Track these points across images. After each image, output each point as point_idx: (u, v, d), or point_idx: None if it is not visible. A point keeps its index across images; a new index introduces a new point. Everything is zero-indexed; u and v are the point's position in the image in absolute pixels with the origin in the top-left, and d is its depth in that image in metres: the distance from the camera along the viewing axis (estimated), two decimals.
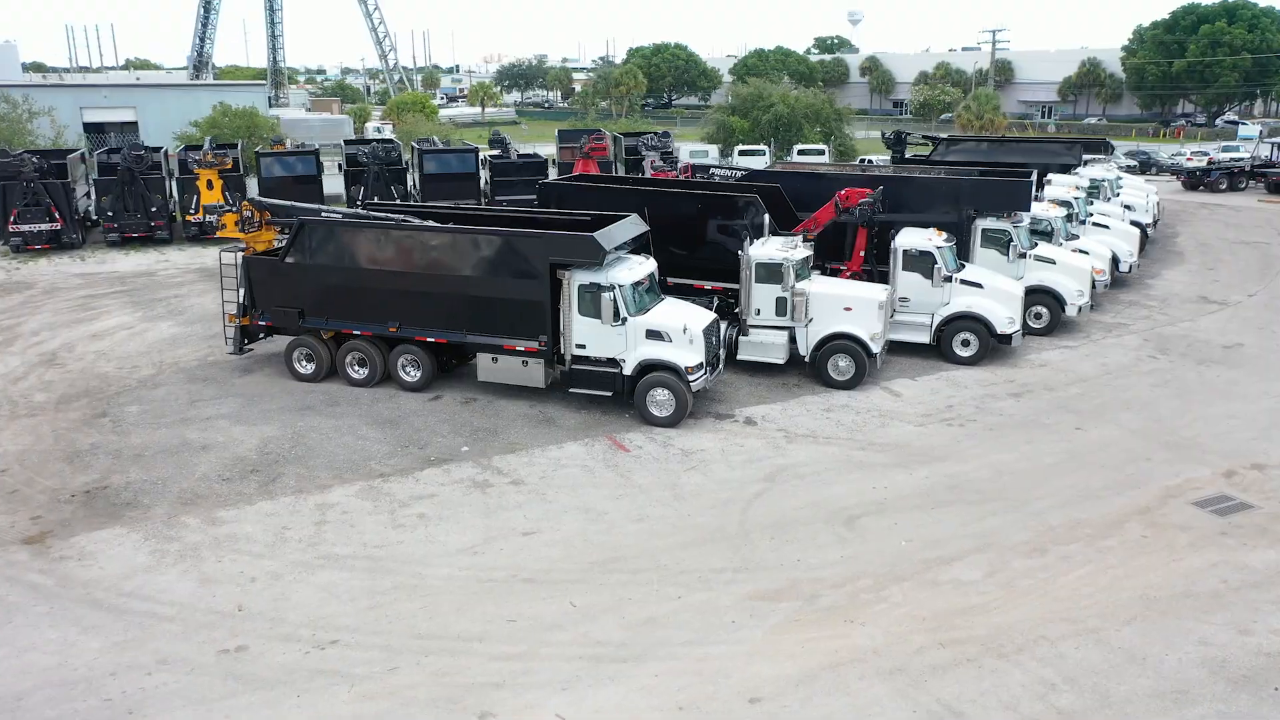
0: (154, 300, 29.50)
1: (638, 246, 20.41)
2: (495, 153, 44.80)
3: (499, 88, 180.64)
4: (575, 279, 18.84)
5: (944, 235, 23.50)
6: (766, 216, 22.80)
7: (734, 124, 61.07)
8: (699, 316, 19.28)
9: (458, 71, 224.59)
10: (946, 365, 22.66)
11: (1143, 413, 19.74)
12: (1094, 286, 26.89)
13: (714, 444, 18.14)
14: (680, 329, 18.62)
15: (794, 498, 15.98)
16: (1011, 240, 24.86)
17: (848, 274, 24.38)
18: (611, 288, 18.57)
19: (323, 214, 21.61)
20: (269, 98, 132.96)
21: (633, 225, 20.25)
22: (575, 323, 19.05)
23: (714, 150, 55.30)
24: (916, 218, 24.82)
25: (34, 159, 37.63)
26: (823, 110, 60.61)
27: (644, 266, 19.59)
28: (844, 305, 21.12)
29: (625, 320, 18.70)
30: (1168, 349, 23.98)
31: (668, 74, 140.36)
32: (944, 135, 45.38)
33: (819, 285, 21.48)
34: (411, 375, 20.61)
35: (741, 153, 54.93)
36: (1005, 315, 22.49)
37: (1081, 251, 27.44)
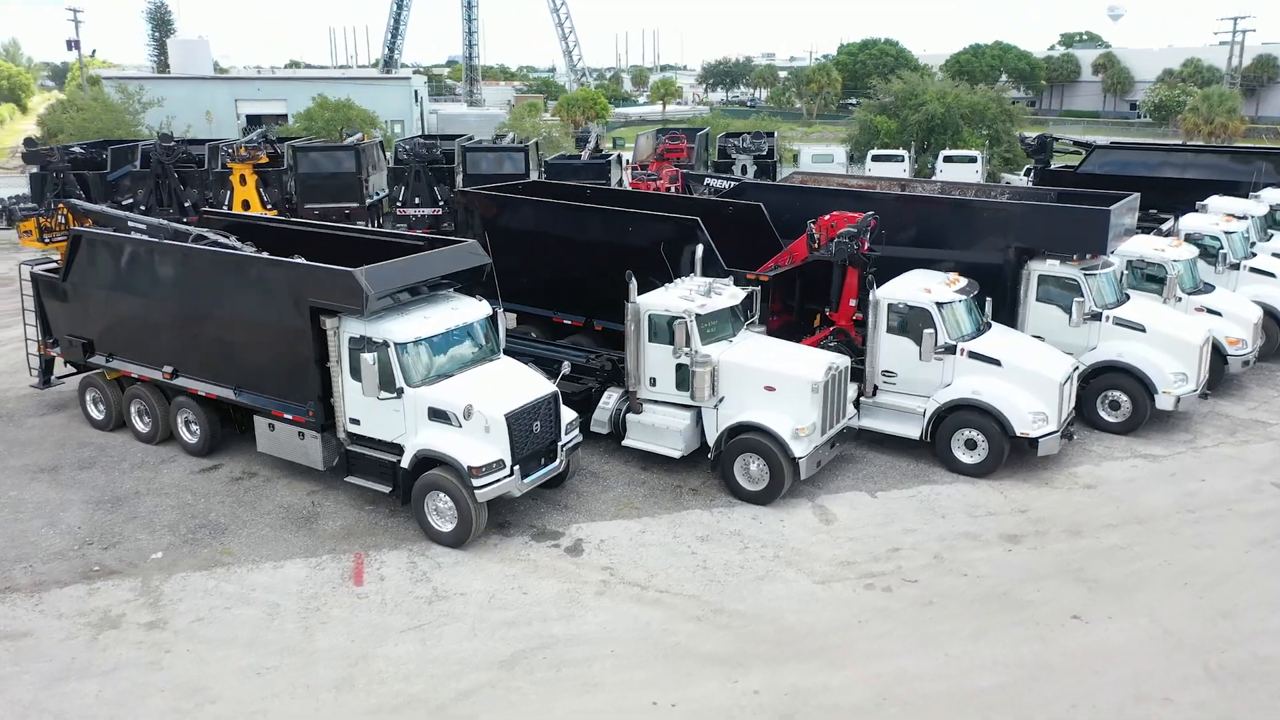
0: None
1: (475, 284, 14.87)
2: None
3: (704, 86, 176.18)
4: (345, 330, 13.59)
5: (959, 283, 16.34)
6: (700, 248, 16.57)
7: (879, 124, 53.17)
8: (510, 391, 13.49)
9: (675, 70, 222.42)
10: (942, 474, 15.62)
11: (1205, 598, 12.14)
12: (1224, 362, 18.67)
13: (488, 584, 12.39)
14: (462, 410, 12.96)
15: (511, 710, 10.04)
16: (1082, 293, 17.23)
17: (826, 331, 17.72)
18: (381, 345, 13.18)
19: (129, 224, 17.44)
20: (467, 93, 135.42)
21: (461, 255, 14.72)
22: (348, 389, 13.79)
23: (840, 153, 47.91)
24: (942, 255, 17.74)
25: (73, 150, 36.48)
26: (988, 110, 51.55)
27: (451, 315, 14.00)
28: (764, 383, 14.65)
29: (401, 392, 13.25)
30: None
31: (872, 71, 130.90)
32: (1104, 141, 36.27)
33: (737, 351, 15.05)
34: (191, 435, 16.07)
35: (875, 158, 47.27)
36: (1029, 408, 15.14)
37: (1211, 312, 19.16)
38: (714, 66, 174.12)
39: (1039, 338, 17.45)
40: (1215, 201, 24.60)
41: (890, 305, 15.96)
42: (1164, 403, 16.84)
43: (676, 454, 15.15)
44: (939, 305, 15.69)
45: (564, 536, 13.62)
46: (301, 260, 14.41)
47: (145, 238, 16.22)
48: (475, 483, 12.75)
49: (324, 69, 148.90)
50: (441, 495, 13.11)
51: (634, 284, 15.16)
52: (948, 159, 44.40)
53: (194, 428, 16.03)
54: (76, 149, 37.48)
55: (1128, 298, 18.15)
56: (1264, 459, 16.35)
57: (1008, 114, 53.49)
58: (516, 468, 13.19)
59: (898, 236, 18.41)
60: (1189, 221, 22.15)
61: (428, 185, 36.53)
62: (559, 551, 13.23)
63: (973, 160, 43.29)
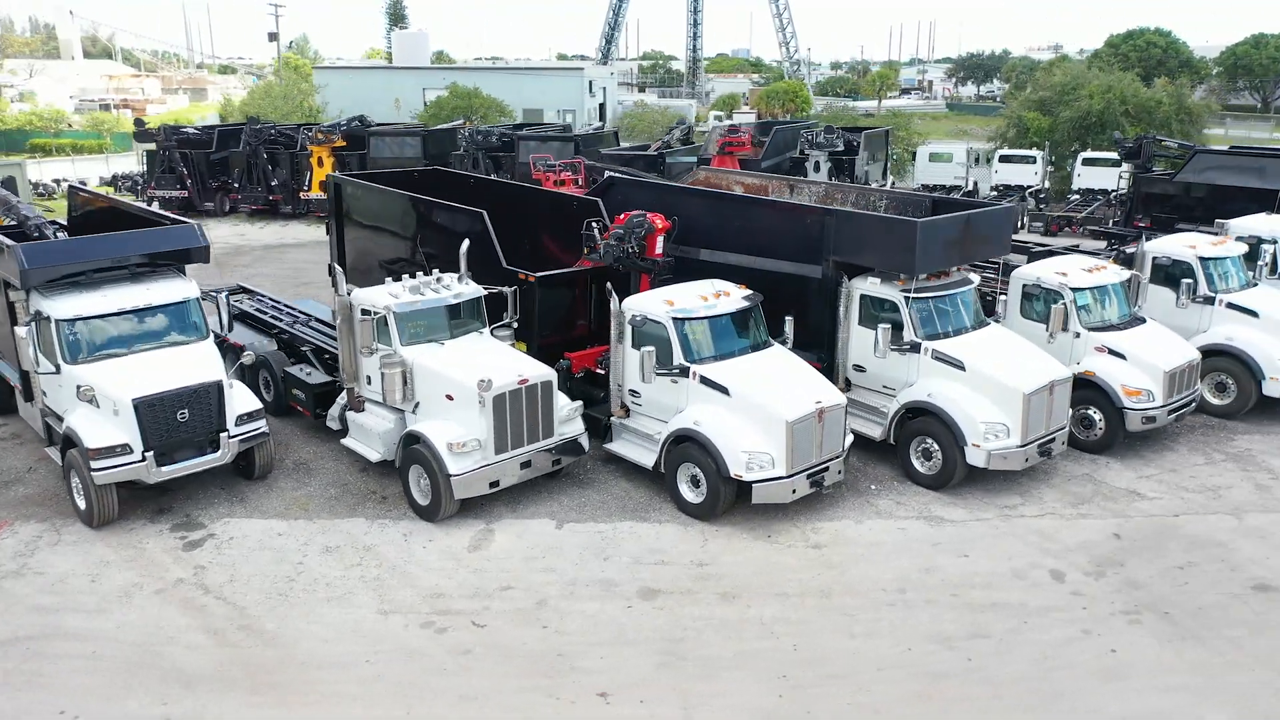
0: None
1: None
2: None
3: (954, 81, 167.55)
4: (33, 303, 13.92)
5: (720, 294, 14.34)
6: (465, 242, 15.57)
7: (1029, 121, 47.80)
8: (163, 376, 13.24)
9: (924, 64, 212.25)
10: (664, 510, 13.82)
11: (789, 696, 9.93)
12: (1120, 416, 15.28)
13: (74, 566, 12.33)
14: (95, 391, 12.92)
15: None
16: (904, 319, 14.62)
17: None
18: (44, 320, 13.41)
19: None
20: (690, 85, 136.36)
21: (167, 237, 14.69)
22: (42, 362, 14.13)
23: (960, 152, 43.54)
24: (761, 264, 15.72)
25: (182, 130, 40.11)
26: (1160, 106, 44.84)
27: (139, 295, 13.93)
28: (446, 390, 13.56)
29: (59, 368, 13.42)
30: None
31: (1136, 63, 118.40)
32: (1223, 146, 30.50)
33: (442, 354, 13.98)
34: None
35: (1002, 159, 42.70)
36: (742, 447, 13.01)
37: (1114, 353, 15.67)
38: (966, 60, 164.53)
39: (860, 368, 15.11)
40: (1242, 221, 20.21)
41: (632, 319, 14.27)
42: (974, 457, 13.95)
43: (374, 457, 14.33)
44: (676, 321, 13.83)
45: (203, 529, 13.27)
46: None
47: None
48: (93, 465, 12.68)
49: (501, 60, 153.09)
50: (75, 475, 13.17)
51: (341, 275, 14.49)
52: (1004, 158, 39.40)
53: None
54: (189, 130, 41.14)
55: (986, 324, 15.25)
56: (1077, 539, 13.16)
57: (1187, 112, 46.50)
58: (150, 454, 12.98)
59: (724, 241, 16.56)
60: (1155, 245, 18.25)
61: (484, 170, 37.04)
62: (179, 544, 12.91)
63: (1031, 161, 38.18)
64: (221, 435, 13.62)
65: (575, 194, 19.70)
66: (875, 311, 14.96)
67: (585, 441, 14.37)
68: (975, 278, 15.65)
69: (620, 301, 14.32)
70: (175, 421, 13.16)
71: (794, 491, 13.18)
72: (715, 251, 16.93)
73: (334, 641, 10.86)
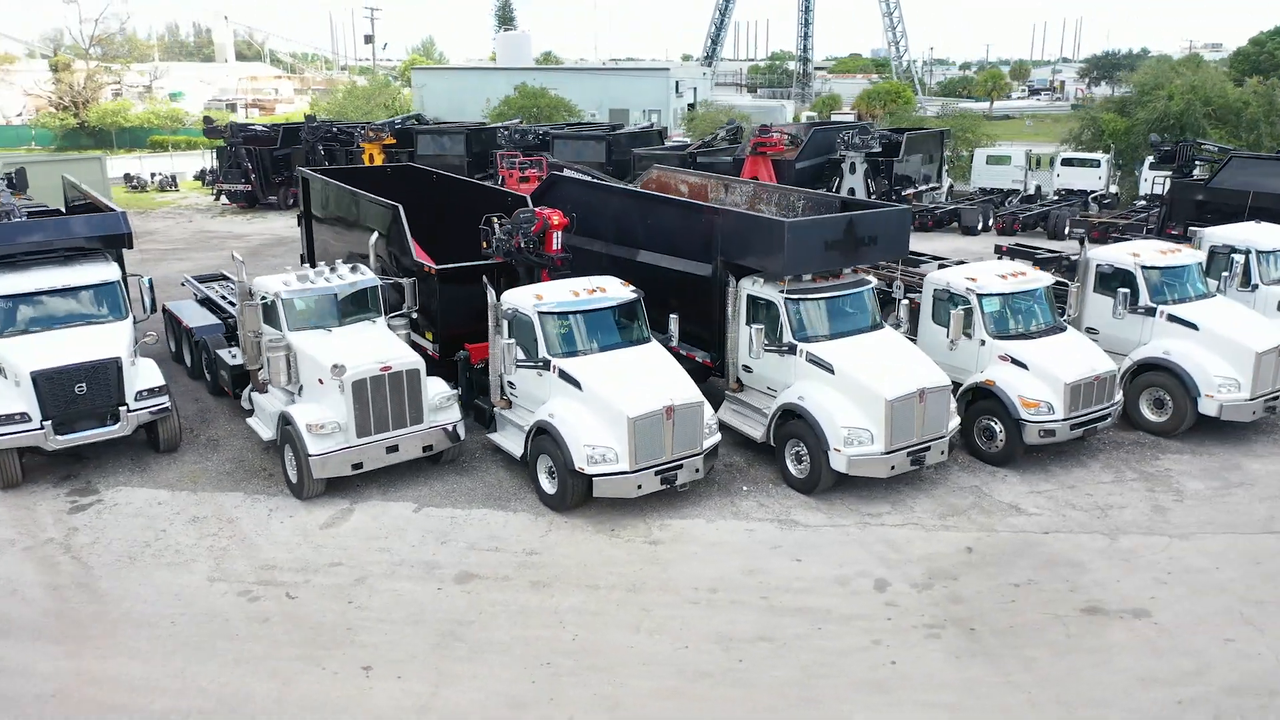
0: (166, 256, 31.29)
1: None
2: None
3: (1087, 81, 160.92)
4: None
5: (595, 290, 14.53)
6: (374, 235, 16.25)
7: (1105, 122, 45.52)
8: (67, 351, 14.33)
9: (1055, 64, 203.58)
10: (524, 499, 14.13)
11: (472, 665, 10.13)
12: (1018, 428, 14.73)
13: None
14: None
15: None
16: (781, 320, 14.49)
17: None
18: None
19: None
20: (797, 85, 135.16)
21: (90, 224, 15.93)
22: None
23: (1019, 155, 41.90)
24: (662, 260, 15.85)
25: (250, 128, 42.42)
26: (1246, 108, 41.95)
27: (58, 277, 15.10)
28: (319, 375, 14.20)
29: None
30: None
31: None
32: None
33: (328, 340, 14.62)
34: None
35: (1065, 162, 40.95)
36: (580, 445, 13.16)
37: (1016, 363, 15.08)
38: (1099, 59, 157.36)
39: (747, 369, 15.07)
40: (1219, 230, 19.09)
41: (505, 311, 14.58)
42: (836, 462, 13.71)
43: (266, 437, 15.12)
44: (541, 315, 14.10)
45: (95, 496, 14.28)
46: None
47: None
48: None
49: (613, 61, 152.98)
50: None
51: (243, 265, 15.33)
52: (1066, 161, 37.52)
53: None
54: (256, 128, 43.47)
55: (881, 327, 14.92)
56: (926, 550, 12.80)
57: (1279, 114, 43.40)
58: (48, 424, 14.09)
59: (639, 239, 16.77)
60: (1098, 252, 17.41)
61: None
62: (67, 507, 13.95)
63: (1095, 164, 36.24)
64: (121, 409, 14.64)
65: (517, 191, 20.12)
66: (758, 312, 14.87)
67: (461, 430, 14.79)
68: (872, 280, 15.32)
69: (499, 295, 14.67)
70: (73, 394, 14.23)
71: (639, 487, 13.26)
72: (626, 248, 17.15)
73: (152, 602, 11.61)
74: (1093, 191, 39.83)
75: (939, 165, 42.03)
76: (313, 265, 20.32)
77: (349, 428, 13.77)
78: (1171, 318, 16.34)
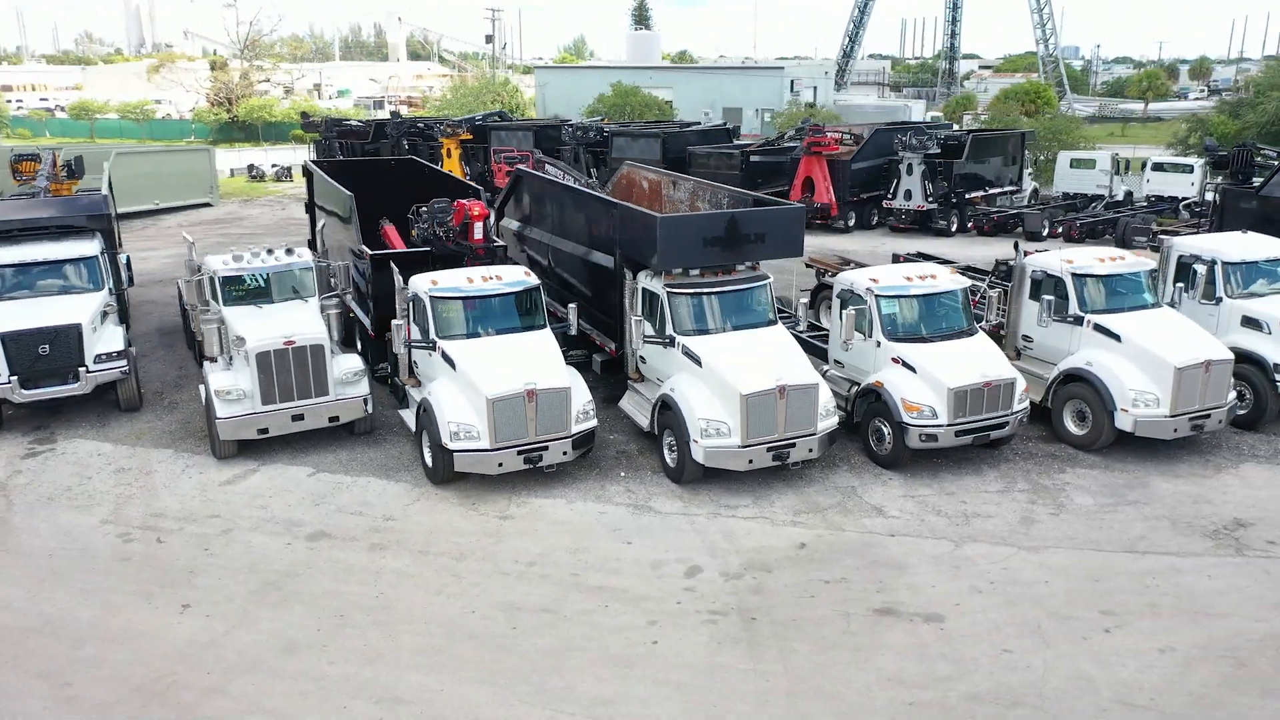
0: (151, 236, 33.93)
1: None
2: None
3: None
4: None
5: (491, 278, 15.31)
6: (322, 220, 17.56)
7: (1214, 124, 42.66)
8: (38, 316, 16.26)
9: (1243, 62, 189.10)
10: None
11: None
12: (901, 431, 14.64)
13: None
14: None
15: None
16: (664, 314, 14.88)
17: None
18: None
19: None
20: (943, 84, 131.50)
21: (72, 204, 17.87)
22: None
23: (1104, 159, 39.77)
24: (578, 250, 16.50)
25: (344, 123, 45.19)
26: None
27: (37, 251, 17.15)
28: (235, 348, 15.59)
29: None
30: None
31: None
32: None
33: (256, 316, 15.97)
34: None
35: (1156, 167, 38.73)
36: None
37: (906, 366, 14.93)
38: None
39: (643, 359, 15.55)
40: (1190, 239, 18.13)
41: (405, 294, 15.55)
42: (695, 453, 14.02)
43: (203, 400, 16.64)
44: (433, 299, 15.00)
45: (51, 445, 16.14)
46: None
47: None
48: None
49: (750, 60, 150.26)
50: None
51: (193, 245, 16.91)
52: (1156, 166, 35.18)
53: None
54: (351, 123, 46.26)
55: (774, 323, 15.08)
56: (760, 544, 12.98)
57: None
58: (14, 379, 16.04)
59: (569, 230, 17.54)
60: (1033, 258, 16.86)
61: (585, 165, 39.00)
62: (22, 453, 15.82)
63: (1188, 170, 33.85)
64: (81, 370, 16.47)
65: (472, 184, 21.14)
66: (648, 304, 15.30)
67: (369, 404, 15.88)
68: (769, 277, 15.45)
69: (405, 280, 15.65)
70: (37, 354, 16.13)
71: (500, 465, 13.97)
72: (560, 239, 17.86)
73: (45, 537, 13.20)
74: (1185, 198, 37.51)
75: (1019, 168, 40.48)
76: (313, 250, 21.93)
77: (255, 395, 15.06)
78: (1098, 327, 15.71)
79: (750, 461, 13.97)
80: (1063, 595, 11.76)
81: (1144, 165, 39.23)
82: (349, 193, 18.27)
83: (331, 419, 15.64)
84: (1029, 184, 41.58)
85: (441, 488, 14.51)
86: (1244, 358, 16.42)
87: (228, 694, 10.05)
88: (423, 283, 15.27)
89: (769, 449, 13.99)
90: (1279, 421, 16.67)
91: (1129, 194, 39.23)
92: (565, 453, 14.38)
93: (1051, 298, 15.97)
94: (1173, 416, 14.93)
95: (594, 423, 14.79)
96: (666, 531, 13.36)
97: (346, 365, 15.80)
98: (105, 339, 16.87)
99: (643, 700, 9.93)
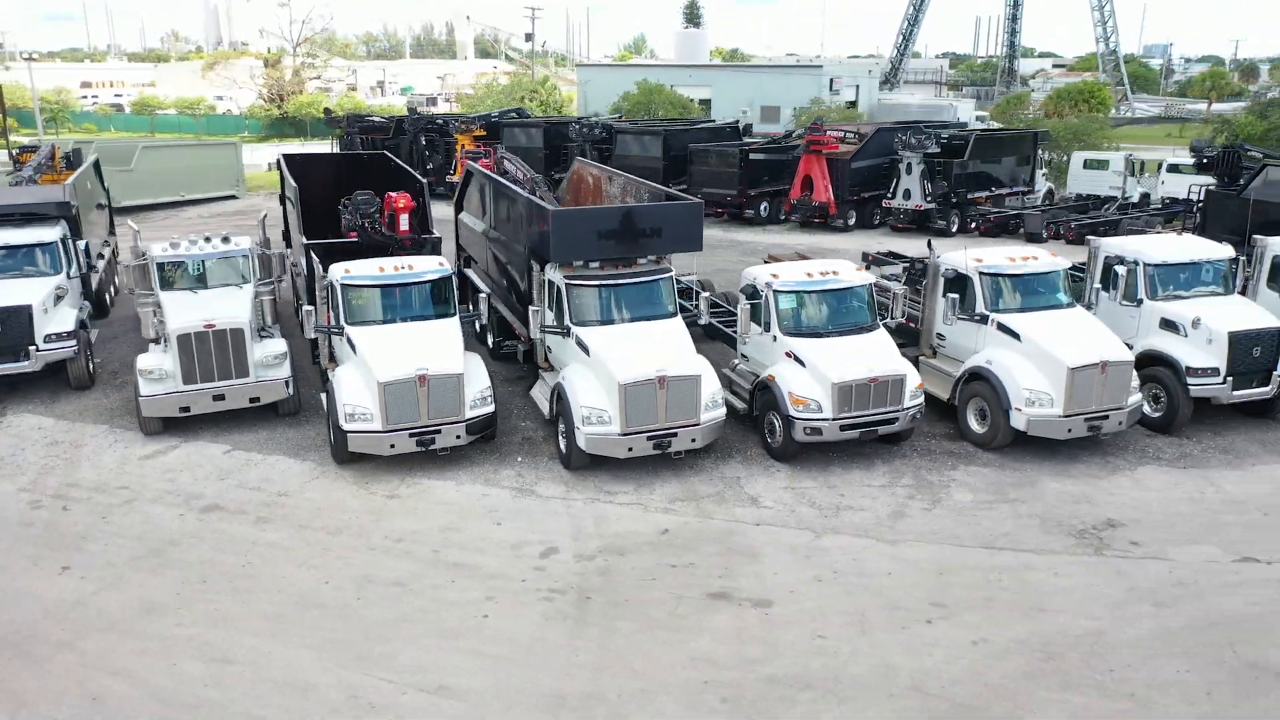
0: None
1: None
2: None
3: None
4: None
5: (402, 268, 15.90)
6: (263, 213, 18.37)
7: (1241, 126, 41.44)
8: None
9: None
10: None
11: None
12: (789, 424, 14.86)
13: None
14: None
15: None
16: (562, 304, 15.32)
17: None
18: None
19: None
20: (1001, 83, 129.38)
21: (32, 194, 18.87)
22: None
23: (1118, 161, 38.93)
24: (503, 250, 17.04)
25: (367, 119, 46.39)
26: None
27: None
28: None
29: None
30: None
31: None
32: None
33: (189, 300, 16.85)
34: None
35: (1171, 169, 37.85)
36: None
37: (798, 361, 15.12)
38: None
39: (549, 348, 16.00)
40: (1117, 240, 18.00)
41: (325, 282, 16.23)
42: (579, 440, 14.43)
43: None
44: (343, 287, 15.65)
45: (2, 417, 17.21)
46: None
47: None
48: None
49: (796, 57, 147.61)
50: None
51: (138, 233, 17.83)
52: (1172, 168, 34.42)
53: None
54: (374, 119, 47.44)
55: (673, 315, 15.41)
56: (624, 529, 13.35)
57: None
58: None
59: (501, 223, 18.11)
60: (946, 256, 16.88)
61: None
62: None
63: None
64: (31, 348, 17.49)
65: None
66: (552, 295, 15.75)
67: (291, 385, 16.61)
68: (669, 270, 15.76)
69: (326, 268, 16.32)
70: None
71: (392, 446, 14.55)
72: (493, 229, 18.39)
73: None
74: (1199, 201, 36.58)
75: (1032, 169, 39.90)
76: (288, 243, 22.86)
77: (176, 375, 15.88)
78: (1000, 326, 15.71)
79: (630, 449, 14.32)
80: (901, 587, 11.92)
81: (1159, 167, 38.39)
82: (294, 184, 19.05)
83: (252, 400, 16.40)
84: (1043, 185, 40.96)
85: (342, 467, 15.14)
86: (1159, 360, 16.28)
87: (77, 649, 10.77)
88: (337, 270, 15.93)
89: (649, 438, 14.32)
90: (1197, 424, 16.46)
91: (1145, 196, 38.43)
92: (459, 436, 14.89)
93: (957, 296, 16.01)
94: (1067, 416, 14.88)
95: (491, 408, 15.27)
96: (542, 515, 13.80)
97: (270, 349, 16.54)
98: (57, 320, 17.87)
99: (455, 669, 10.40)
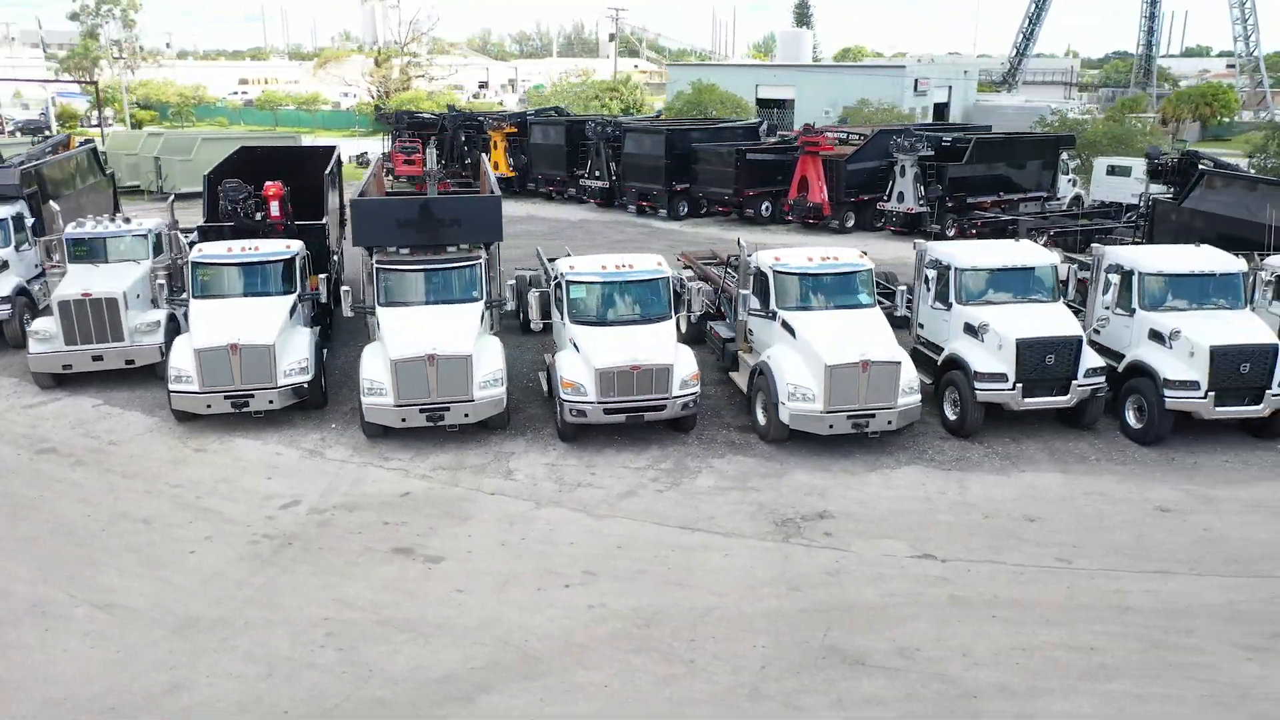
0: None
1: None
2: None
3: None
4: None
5: (249, 249, 17.68)
6: (171, 197, 20.55)
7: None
8: None
9: None
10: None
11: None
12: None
13: None
14: None
15: None
16: (373, 287, 16.79)
17: None
18: None
19: None
20: (1136, 84, 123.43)
21: None
22: None
23: (1138, 167, 37.17)
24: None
25: (416, 115, 49.00)
26: None
27: None
28: None
29: None
30: None
31: None
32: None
33: (85, 271, 19.20)
34: None
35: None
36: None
37: None
38: None
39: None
40: (935, 245, 18.01)
41: (186, 260, 18.19)
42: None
43: None
44: (193, 265, 17.55)
45: None
46: None
47: None
48: None
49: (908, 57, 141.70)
50: None
51: (58, 214, 20.29)
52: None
53: None
54: (423, 115, 50.03)
55: (475, 301, 16.65)
56: (393, 490, 14.66)
57: None
58: None
59: None
60: (758, 255, 17.38)
61: (605, 160, 40.92)
62: None
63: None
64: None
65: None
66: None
67: (162, 350, 18.66)
68: (478, 260, 16.93)
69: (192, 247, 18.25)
70: None
71: (209, 406, 16.34)
72: None
73: None
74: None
75: (1054, 174, 38.80)
76: None
77: (58, 337, 18.15)
78: (784, 324, 16.20)
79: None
80: (570, 556, 12.77)
81: None
82: (208, 174, 21.18)
83: (128, 361, 18.51)
84: (1068, 190, 39.70)
85: (182, 424, 16.98)
86: (1142, 371, 16.14)
87: None
88: (193, 253, 17.86)
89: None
90: (993, 429, 16.48)
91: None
92: (271, 401, 16.52)
93: (748, 292, 16.57)
94: (827, 413, 15.26)
95: (309, 376, 16.83)
96: (313, 474, 15.25)
97: (146, 317, 18.64)
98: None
99: (132, 591, 11.95)
